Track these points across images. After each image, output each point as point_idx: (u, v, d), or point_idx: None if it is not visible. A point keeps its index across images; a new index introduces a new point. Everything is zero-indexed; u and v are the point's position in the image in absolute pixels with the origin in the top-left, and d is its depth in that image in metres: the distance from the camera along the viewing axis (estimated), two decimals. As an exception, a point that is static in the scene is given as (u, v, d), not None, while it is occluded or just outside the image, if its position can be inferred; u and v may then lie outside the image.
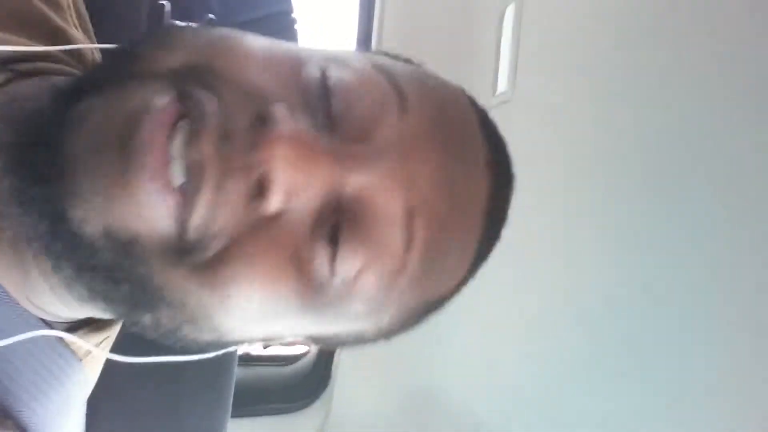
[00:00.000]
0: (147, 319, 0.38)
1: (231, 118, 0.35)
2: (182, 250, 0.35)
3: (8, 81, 0.44)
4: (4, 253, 0.41)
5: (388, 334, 0.44)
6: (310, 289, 0.37)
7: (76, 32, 0.52)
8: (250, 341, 0.44)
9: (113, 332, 0.49)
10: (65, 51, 0.50)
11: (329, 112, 0.37)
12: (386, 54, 0.46)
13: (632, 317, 0.66)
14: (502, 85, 0.94)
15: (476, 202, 0.41)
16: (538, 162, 0.80)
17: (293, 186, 0.34)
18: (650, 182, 0.66)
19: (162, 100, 0.35)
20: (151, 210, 0.34)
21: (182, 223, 0.34)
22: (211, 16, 0.92)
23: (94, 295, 0.37)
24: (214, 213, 0.34)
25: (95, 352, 0.47)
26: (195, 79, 0.36)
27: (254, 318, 0.38)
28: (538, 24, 0.90)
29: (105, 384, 0.51)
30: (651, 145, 0.67)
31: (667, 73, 0.65)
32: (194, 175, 0.34)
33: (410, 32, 1.21)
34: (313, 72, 0.38)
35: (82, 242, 0.34)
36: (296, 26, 0.98)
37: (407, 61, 0.46)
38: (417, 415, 1.12)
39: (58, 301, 0.42)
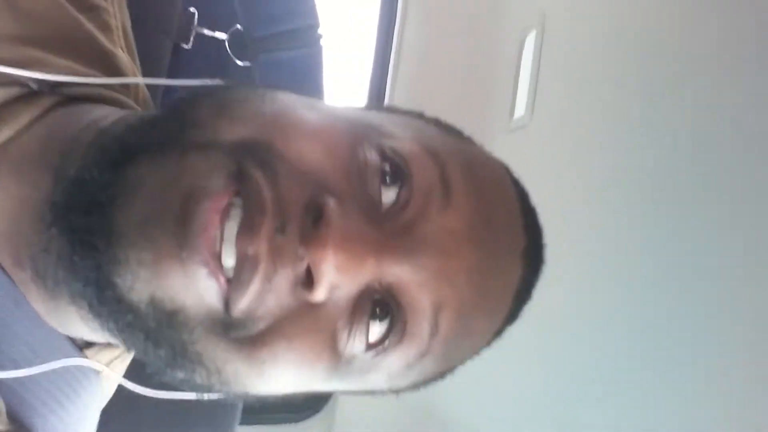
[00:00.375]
0: (180, 375, 0.40)
1: (286, 205, 0.36)
2: (226, 326, 0.37)
3: (55, 105, 0.46)
4: (34, 279, 0.42)
5: (399, 393, 0.47)
6: (341, 364, 0.39)
7: (123, 54, 0.53)
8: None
9: (123, 362, 0.51)
10: (112, 72, 0.51)
11: (379, 201, 0.39)
12: (437, 123, 0.47)
13: (640, 338, 0.66)
14: (520, 110, 0.95)
15: (506, 291, 0.43)
16: (554, 187, 0.81)
17: (338, 282, 0.37)
18: (671, 207, 0.66)
19: (219, 181, 0.36)
20: (200, 289, 0.35)
21: (229, 303, 0.36)
22: (238, 26, 0.94)
23: (131, 348, 0.40)
24: (262, 300, 0.36)
25: (112, 374, 0.48)
26: (254, 157, 0.37)
27: (284, 385, 0.40)
28: (559, 50, 0.91)
29: (115, 394, 0.52)
30: (672, 171, 0.66)
31: (689, 99, 0.65)
32: (247, 265, 0.35)
33: (429, 55, 1.22)
34: (368, 155, 0.39)
35: (126, 308, 0.36)
36: (321, 42, 1.00)
37: (456, 134, 0.47)
38: (419, 428, 1.12)
39: (85, 328, 0.43)
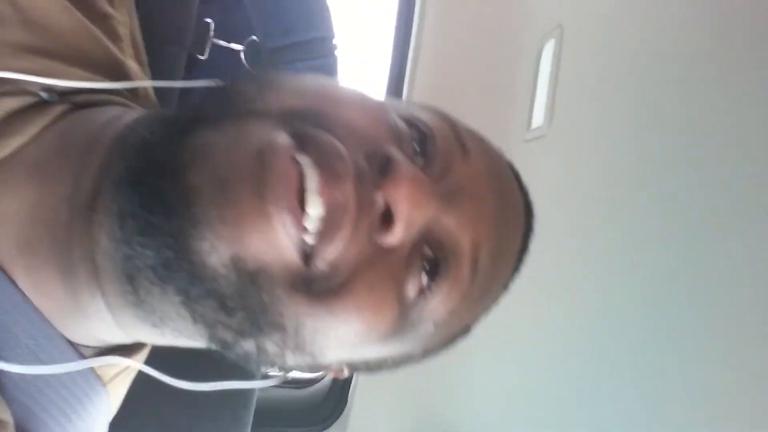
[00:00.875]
0: (250, 345, 0.39)
1: (358, 158, 0.38)
2: (309, 280, 0.37)
3: (65, 113, 0.46)
4: (49, 277, 0.41)
5: (427, 355, 0.48)
6: (403, 313, 0.41)
7: (132, 63, 0.54)
8: (328, 366, 0.47)
9: (143, 356, 0.50)
10: (123, 81, 0.51)
11: (423, 154, 0.43)
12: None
13: (658, 349, 0.65)
14: (538, 120, 0.94)
15: (517, 239, 0.48)
16: (572, 196, 0.80)
17: (413, 220, 0.39)
18: (692, 215, 0.66)
19: (285, 138, 0.37)
20: (284, 243, 0.36)
21: (312, 255, 0.37)
22: (253, 37, 0.94)
23: (199, 321, 0.38)
24: (347, 248, 0.37)
25: (128, 371, 0.48)
26: (308, 121, 0.39)
27: (354, 342, 0.41)
28: (577, 60, 0.90)
29: (125, 406, 0.52)
30: (692, 182, 0.66)
31: (709, 110, 0.65)
32: (335, 214, 0.37)
33: (445, 66, 1.22)
34: (401, 119, 0.43)
35: (205, 272, 0.36)
36: (336, 53, 1.00)
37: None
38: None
39: (111, 323, 0.43)
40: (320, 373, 0.49)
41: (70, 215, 0.41)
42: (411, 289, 0.41)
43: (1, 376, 0.41)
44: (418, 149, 0.43)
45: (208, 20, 0.85)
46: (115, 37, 0.53)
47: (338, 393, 1.32)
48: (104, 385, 0.47)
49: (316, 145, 0.37)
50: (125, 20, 0.55)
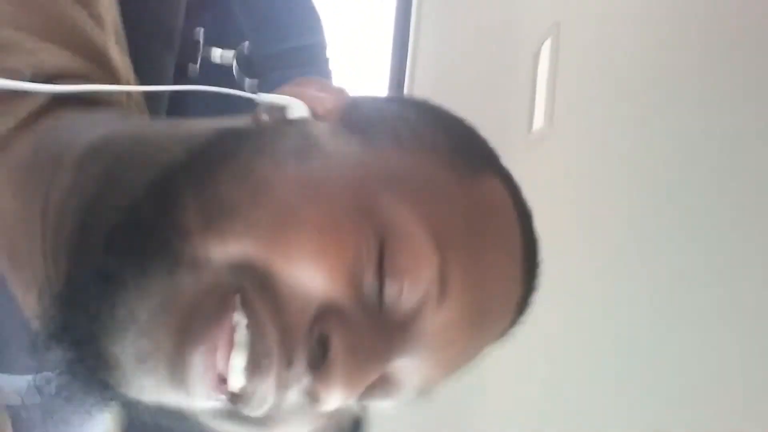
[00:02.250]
0: None
1: (291, 333, 0.36)
2: (234, 415, 0.37)
3: (49, 103, 0.44)
4: (32, 289, 0.40)
5: None
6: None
7: (115, 47, 0.52)
8: None
9: None
10: (103, 68, 0.49)
11: (381, 301, 0.38)
12: (451, 150, 0.43)
13: (660, 352, 0.63)
14: (539, 121, 0.92)
15: (493, 339, 0.44)
16: (575, 196, 0.78)
17: (343, 400, 0.37)
18: (692, 216, 0.64)
19: (213, 308, 0.35)
20: (200, 401, 0.36)
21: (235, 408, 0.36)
22: (245, 43, 0.93)
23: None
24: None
25: None
26: (251, 280, 0.36)
27: None
28: (575, 59, 0.88)
29: None
30: (693, 180, 0.65)
31: (707, 107, 0.64)
32: (255, 399, 0.35)
33: (444, 71, 1.21)
34: (371, 251, 0.37)
35: (131, 401, 0.36)
36: (329, 60, 0.98)
37: (468, 161, 0.43)
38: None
39: None
40: None
41: (43, 230, 0.39)
42: None
43: (17, 408, 0.42)
44: (385, 289, 0.38)
45: (199, 28, 0.84)
46: (98, 20, 0.51)
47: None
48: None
49: (251, 318, 0.35)
50: (107, 6, 0.53)
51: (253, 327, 0.35)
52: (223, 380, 0.34)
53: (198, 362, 0.34)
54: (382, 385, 0.39)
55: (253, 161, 0.39)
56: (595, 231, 0.78)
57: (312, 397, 0.36)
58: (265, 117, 0.42)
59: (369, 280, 0.38)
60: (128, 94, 0.51)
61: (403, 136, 0.43)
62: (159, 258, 0.36)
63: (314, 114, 0.43)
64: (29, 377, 0.40)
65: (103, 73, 0.49)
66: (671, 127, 0.68)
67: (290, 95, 0.43)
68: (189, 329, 0.34)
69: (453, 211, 0.41)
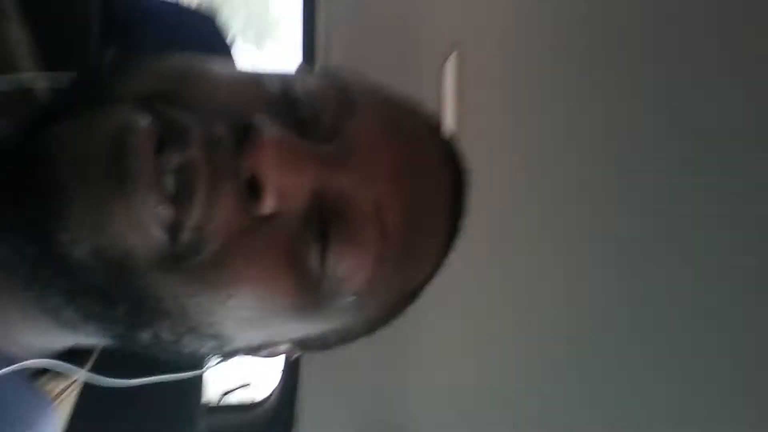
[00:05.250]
0: (145, 335, 0.39)
1: (213, 128, 0.36)
2: (177, 256, 0.36)
3: None
4: None
5: (372, 328, 0.47)
6: (305, 287, 0.39)
7: (29, 66, 0.51)
8: (248, 349, 0.45)
9: (89, 362, 0.48)
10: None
11: (298, 118, 0.40)
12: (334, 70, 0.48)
13: (618, 335, 0.66)
14: (449, 123, 0.96)
15: (439, 192, 0.45)
16: (488, 213, 0.82)
17: (285, 187, 0.37)
18: (613, 221, 0.68)
19: (139, 121, 0.36)
20: (145, 221, 0.35)
21: (175, 228, 0.35)
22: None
23: (88, 318, 0.38)
24: (209, 214, 0.36)
25: (74, 385, 0.46)
26: (167, 102, 0.37)
27: (254, 319, 0.40)
28: (479, 73, 0.92)
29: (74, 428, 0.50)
30: (605, 175, 0.68)
31: (620, 122, 0.67)
32: (187, 180, 0.35)
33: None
34: (275, 86, 0.41)
35: (72, 265, 0.35)
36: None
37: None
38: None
39: (36, 332, 0.42)
40: (265, 353, 0.47)
41: None
42: (312, 258, 0.39)
43: None
44: (297, 109, 0.40)
45: (110, 51, 0.83)
46: (5, 38, 0.51)
47: (286, 412, 1.32)
48: (50, 403, 0.45)
49: (167, 121, 0.36)
50: (17, 29, 0.52)
51: (170, 124, 0.36)
52: (159, 182, 0.35)
53: (133, 151, 0.35)
54: (332, 214, 0.39)
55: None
56: (499, 243, 0.82)
57: (248, 191, 0.36)
58: None
59: (281, 102, 0.40)
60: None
61: None
62: (80, 104, 0.38)
63: None
64: None
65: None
66: (580, 133, 0.72)
67: None
68: (120, 132, 0.35)
69: (347, 78, 0.45)
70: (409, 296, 0.48)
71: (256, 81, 0.41)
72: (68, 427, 0.49)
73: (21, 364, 0.41)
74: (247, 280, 0.37)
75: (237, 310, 0.38)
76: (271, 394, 1.35)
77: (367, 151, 0.40)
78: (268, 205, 0.37)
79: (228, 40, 0.92)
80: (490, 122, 0.90)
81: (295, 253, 0.39)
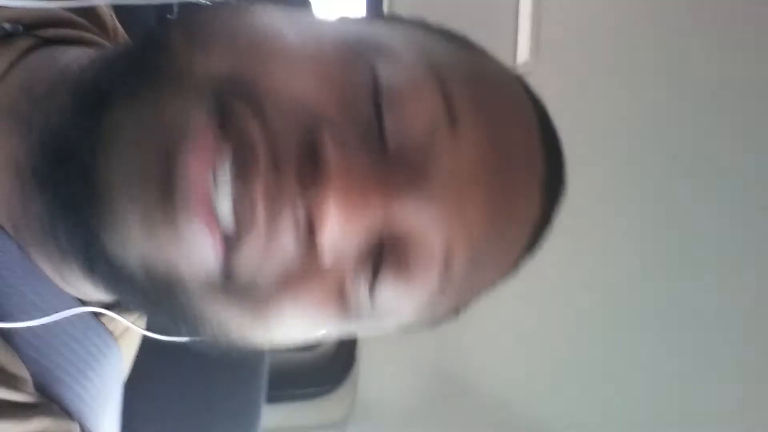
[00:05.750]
0: (185, 331, 0.39)
1: (278, 144, 0.33)
2: (225, 285, 0.34)
3: (32, 48, 0.42)
4: (35, 236, 0.40)
5: (409, 331, 0.45)
6: (349, 315, 0.38)
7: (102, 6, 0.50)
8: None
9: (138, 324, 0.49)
10: (85, 15, 0.47)
11: (381, 130, 0.35)
12: (443, 33, 0.42)
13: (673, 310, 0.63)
14: (523, 54, 0.90)
15: (523, 225, 0.40)
16: (563, 131, 0.77)
17: (344, 230, 0.33)
18: (681, 149, 0.63)
19: (200, 123, 0.32)
20: (195, 250, 0.33)
21: (228, 263, 0.33)
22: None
23: (133, 308, 0.39)
24: (264, 255, 0.34)
25: (134, 329, 0.46)
26: (236, 93, 0.33)
27: (293, 336, 0.40)
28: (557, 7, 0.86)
29: (138, 368, 0.51)
30: (682, 117, 0.64)
31: (697, 44, 0.62)
32: (245, 211, 0.32)
33: (424, 1, 1.16)
34: (363, 77, 0.35)
35: (119, 270, 0.34)
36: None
37: (465, 44, 0.43)
38: (446, 398, 1.11)
39: (93, 288, 0.42)
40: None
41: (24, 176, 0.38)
42: (362, 294, 0.37)
43: (14, 335, 0.40)
44: (378, 124, 0.35)
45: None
46: None
47: (346, 353, 1.31)
48: (115, 340, 0.46)
49: (236, 129, 0.32)
50: None
51: (236, 136, 0.32)
52: (212, 208, 0.32)
53: (185, 171, 0.32)
54: (394, 251, 0.35)
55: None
56: (582, 166, 0.77)
57: (306, 226, 0.33)
58: None
59: (363, 106, 0.35)
60: (112, 35, 0.50)
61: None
62: (145, 78, 0.34)
63: None
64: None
65: (91, 23, 0.48)
66: (663, 61, 0.67)
67: None
68: (174, 145, 0.32)
69: (453, 59, 0.38)
70: (458, 311, 0.46)
71: (343, 64, 0.35)
72: (131, 370, 0.51)
73: (88, 308, 0.42)
74: (292, 316, 0.36)
75: (276, 334, 0.38)
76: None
77: (455, 184, 0.35)
78: (325, 247, 0.34)
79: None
80: (568, 48, 0.84)
81: (345, 290, 0.37)
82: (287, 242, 0.33)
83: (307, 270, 0.35)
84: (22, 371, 0.40)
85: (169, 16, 0.76)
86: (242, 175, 0.32)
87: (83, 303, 0.43)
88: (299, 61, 0.35)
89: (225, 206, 0.32)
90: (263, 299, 0.35)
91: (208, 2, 0.41)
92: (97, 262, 0.35)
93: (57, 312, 0.40)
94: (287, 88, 0.34)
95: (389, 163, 0.34)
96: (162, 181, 0.32)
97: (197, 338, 0.42)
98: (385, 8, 1.23)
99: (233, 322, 0.37)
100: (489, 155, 0.36)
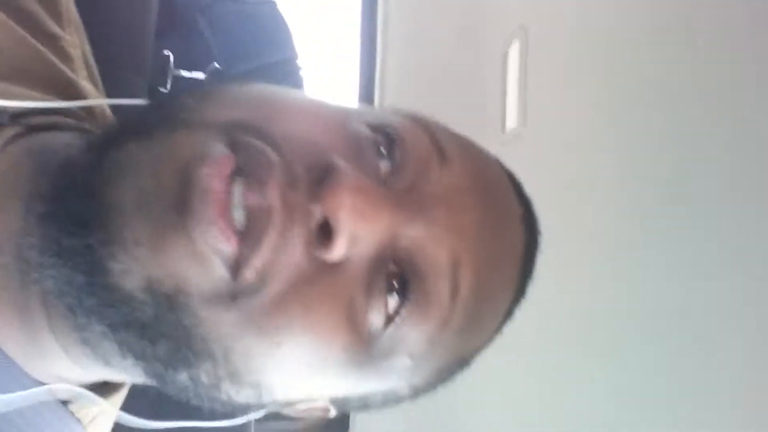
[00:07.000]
0: (183, 376, 0.37)
1: (293, 165, 0.35)
2: (235, 294, 0.34)
3: (18, 136, 0.43)
4: (5, 311, 0.38)
5: (418, 393, 0.43)
6: (361, 342, 0.37)
7: (86, 83, 0.51)
8: (286, 402, 0.42)
9: (119, 398, 0.47)
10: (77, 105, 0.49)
11: (382, 163, 0.38)
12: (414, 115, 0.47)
13: (663, 350, 0.63)
14: (512, 121, 0.93)
15: (513, 254, 0.43)
16: (554, 193, 0.79)
17: (357, 234, 0.35)
18: (669, 216, 0.65)
19: (216, 149, 0.34)
20: (209, 252, 0.33)
21: (238, 265, 0.33)
22: (215, 64, 0.92)
23: (127, 353, 0.36)
24: (277, 256, 0.34)
25: (106, 412, 0.44)
26: (248, 132, 0.35)
27: (299, 372, 0.37)
28: (544, 59, 0.89)
29: None
30: (670, 176, 0.66)
31: (682, 101, 0.65)
32: (259, 219, 0.33)
33: (413, 74, 1.21)
34: (360, 127, 0.39)
35: (119, 297, 0.33)
36: (301, 73, 0.98)
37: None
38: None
39: (69, 362, 0.40)
40: (297, 411, 0.44)
41: (22, 250, 0.37)
42: (374, 314, 0.37)
43: None
44: (384, 153, 0.38)
45: (167, 52, 0.83)
46: (65, 57, 0.50)
47: (338, 420, 1.29)
48: (84, 428, 0.43)
49: (247, 152, 0.34)
50: (75, 42, 0.52)
51: (251, 156, 0.34)
52: (227, 216, 0.33)
53: (202, 184, 0.33)
54: (405, 266, 0.37)
55: None
56: (570, 228, 0.79)
57: (319, 236, 0.34)
58: None
59: (363, 149, 0.38)
60: (96, 119, 0.50)
61: None
62: (159, 124, 0.36)
63: None
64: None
65: (81, 109, 0.49)
66: (645, 123, 0.69)
67: None
68: (191, 163, 0.33)
69: (434, 124, 0.43)
70: (462, 363, 0.44)
71: (341, 117, 0.39)
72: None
73: (54, 386, 0.40)
74: (301, 330, 0.35)
75: (284, 359, 0.36)
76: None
77: (452, 204, 0.38)
78: (338, 251, 0.35)
79: (287, 22, 0.92)
80: (555, 113, 0.87)
81: (356, 305, 0.36)
82: (299, 244, 0.34)
83: (316, 275, 0.35)
84: None
85: (162, 90, 0.79)
86: (260, 186, 0.33)
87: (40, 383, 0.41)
88: (302, 114, 0.38)
89: (238, 215, 0.33)
90: (272, 306, 0.34)
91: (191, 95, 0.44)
92: (97, 292, 0.34)
93: (9, 390, 0.38)
94: (296, 130, 0.37)
95: (389, 185, 0.38)
96: (178, 193, 0.33)
97: (177, 421, 0.42)
98: (378, 77, 1.27)
99: (239, 344, 0.35)
100: (476, 183, 0.40)
